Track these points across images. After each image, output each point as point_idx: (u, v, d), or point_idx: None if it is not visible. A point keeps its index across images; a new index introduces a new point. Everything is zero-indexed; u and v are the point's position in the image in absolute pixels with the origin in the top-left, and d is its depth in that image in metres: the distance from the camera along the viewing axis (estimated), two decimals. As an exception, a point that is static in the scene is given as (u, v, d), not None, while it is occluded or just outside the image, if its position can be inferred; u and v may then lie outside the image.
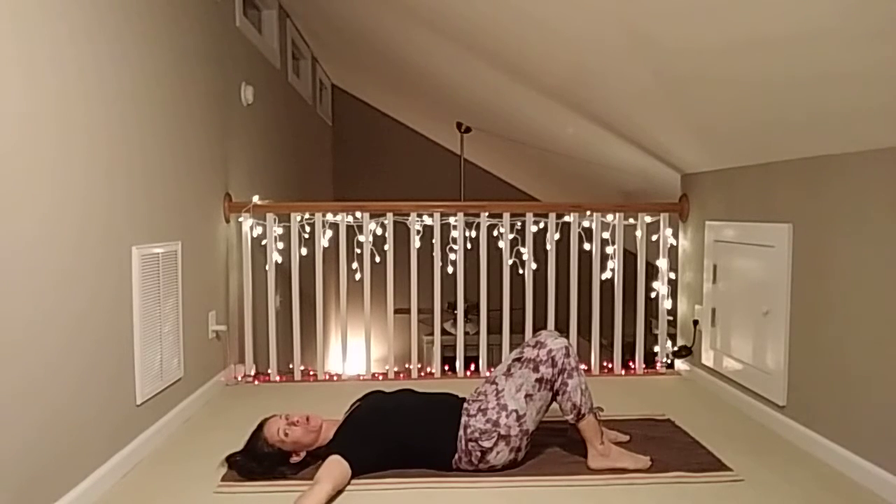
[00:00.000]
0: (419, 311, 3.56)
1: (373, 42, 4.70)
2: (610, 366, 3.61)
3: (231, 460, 2.22)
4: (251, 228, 3.40)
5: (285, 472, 2.18)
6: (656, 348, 3.67)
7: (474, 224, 3.49)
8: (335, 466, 2.06)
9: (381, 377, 3.51)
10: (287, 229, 3.41)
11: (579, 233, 3.51)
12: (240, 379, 3.39)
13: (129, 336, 2.27)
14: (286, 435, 2.17)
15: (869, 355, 2.16)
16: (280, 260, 3.45)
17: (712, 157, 3.12)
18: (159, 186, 2.51)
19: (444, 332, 3.84)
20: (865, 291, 2.17)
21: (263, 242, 3.42)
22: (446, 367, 3.62)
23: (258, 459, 2.17)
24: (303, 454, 2.22)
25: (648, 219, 3.54)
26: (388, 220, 3.42)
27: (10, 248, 1.64)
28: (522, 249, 3.49)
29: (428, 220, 3.47)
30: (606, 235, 3.54)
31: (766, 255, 2.70)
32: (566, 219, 3.52)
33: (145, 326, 2.35)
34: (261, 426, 2.24)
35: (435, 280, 3.49)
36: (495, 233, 3.50)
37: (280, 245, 3.44)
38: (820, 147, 2.36)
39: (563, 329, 2.98)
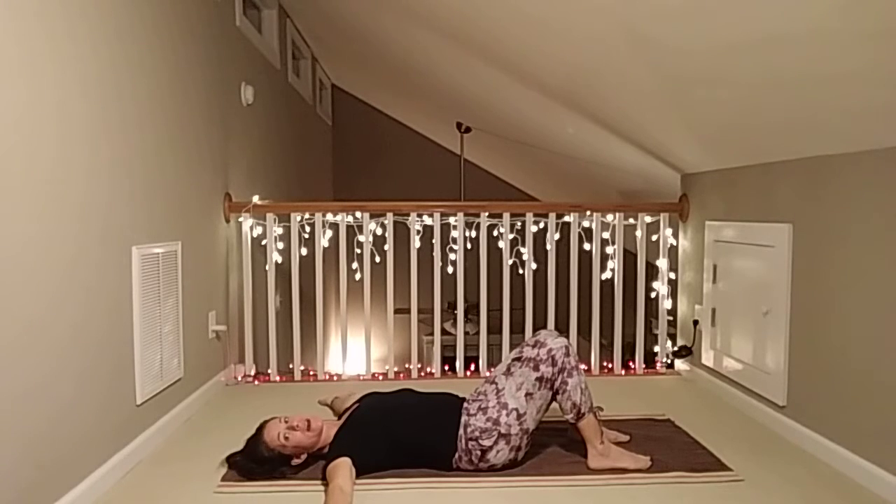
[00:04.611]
0: (419, 311, 3.56)
1: (373, 42, 4.70)
2: (610, 366, 3.61)
3: (231, 460, 2.22)
4: (251, 228, 3.40)
5: (285, 471, 2.18)
6: (656, 348, 3.67)
7: (474, 224, 3.49)
8: (348, 469, 2.06)
9: (381, 377, 3.51)
10: (287, 229, 3.41)
11: (579, 233, 3.51)
12: (240, 379, 3.39)
13: (129, 336, 2.27)
14: (286, 439, 2.17)
15: (869, 355, 2.16)
16: (280, 260, 3.45)
17: (712, 157, 3.12)
18: (159, 186, 2.51)
19: (444, 332, 3.84)
20: (865, 291, 2.17)
21: (263, 242, 3.42)
22: (446, 367, 3.62)
23: (259, 462, 2.17)
24: (304, 456, 2.22)
25: (648, 219, 3.54)
26: (388, 220, 3.42)
27: (9, 249, 1.64)
28: (522, 249, 3.49)
29: (428, 220, 3.47)
30: (606, 235, 3.54)
31: (766, 255, 2.70)
32: (566, 219, 3.52)
33: (145, 326, 2.35)
34: (260, 430, 2.23)
35: (435, 280, 3.49)
36: (495, 233, 3.50)
37: (280, 245, 3.44)
38: (820, 147, 2.36)
39: (563, 329, 2.98)
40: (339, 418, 2.44)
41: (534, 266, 3.49)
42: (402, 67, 4.99)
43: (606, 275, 3.55)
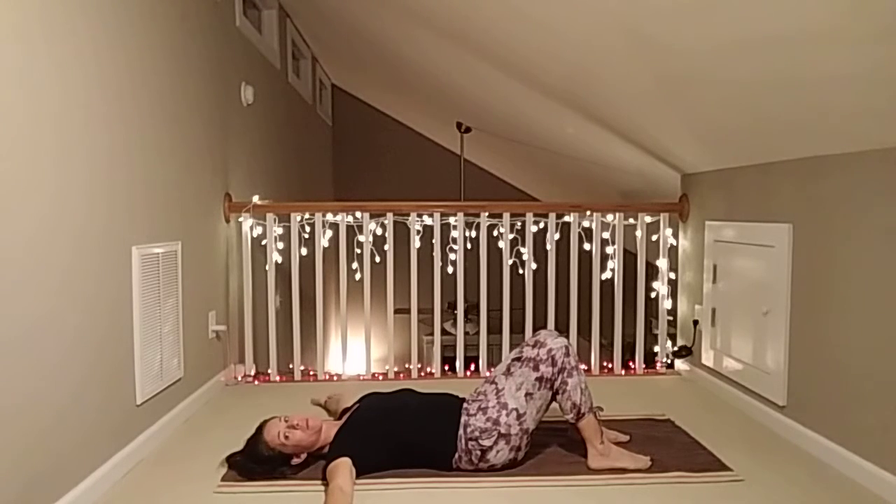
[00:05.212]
0: (419, 311, 3.56)
1: (373, 42, 4.70)
2: (610, 366, 3.61)
3: (231, 460, 2.22)
4: (251, 228, 3.40)
5: (285, 471, 2.18)
6: (656, 348, 3.67)
7: (474, 224, 3.49)
8: (348, 469, 2.06)
9: (381, 377, 3.51)
10: (287, 229, 3.41)
11: (579, 233, 3.51)
12: (240, 379, 3.39)
13: (130, 336, 2.27)
14: (286, 438, 2.17)
15: (869, 355, 2.16)
16: (280, 260, 3.45)
17: (712, 157, 3.12)
18: (159, 186, 2.52)
19: (444, 332, 3.84)
20: (865, 291, 2.17)
21: (263, 242, 3.42)
22: (446, 367, 3.62)
23: (259, 462, 2.17)
24: (304, 456, 2.22)
25: (648, 219, 3.54)
26: (388, 220, 3.42)
27: (10, 249, 1.64)
28: (522, 249, 3.49)
29: (428, 220, 3.47)
30: (606, 235, 3.54)
31: (766, 255, 2.70)
32: (566, 219, 3.52)
33: (145, 326, 2.35)
34: (260, 429, 2.23)
35: (435, 280, 3.49)
36: (495, 233, 3.50)
37: (280, 245, 3.44)
38: (820, 147, 2.36)
39: (563, 329, 2.98)
40: (339, 418, 2.45)
41: (534, 266, 3.49)
42: (402, 67, 4.99)
43: (606, 275, 3.55)
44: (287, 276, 3.49)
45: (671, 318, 3.66)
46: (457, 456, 2.21)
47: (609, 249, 3.54)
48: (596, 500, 2.06)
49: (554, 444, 2.42)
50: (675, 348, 3.58)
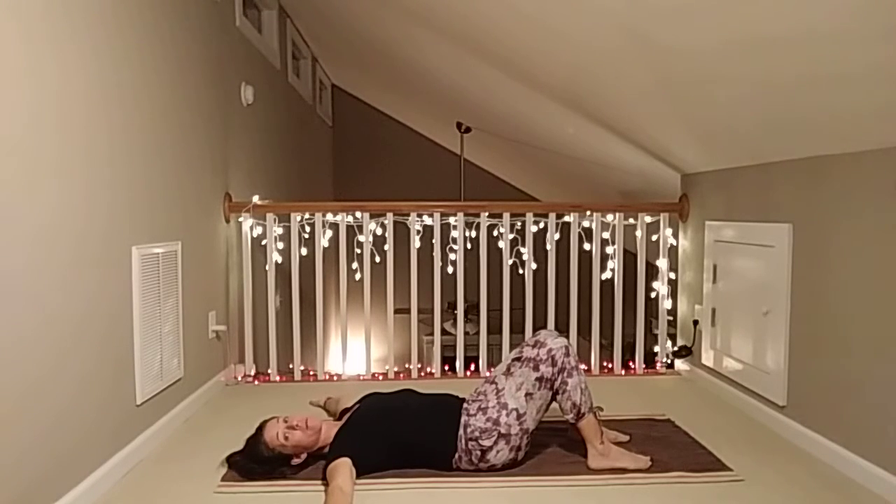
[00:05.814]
0: (419, 311, 3.56)
1: (373, 42, 4.70)
2: (610, 366, 3.61)
3: (231, 460, 2.22)
4: (251, 228, 3.40)
5: (285, 471, 2.18)
6: (656, 348, 3.67)
7: (474, 224, 3.49)
8: (348, 470, 2.05)
9: (381, 377, 3.51)
10: (287, 229, 3.42)
11: (579, 233, 3.51)
12: (240, 379, 3.39)
13: (130, 336, 2.27)
14: (286, 439, 2.17)
15: (869, 355, 2.16)
16: (280, 260, 3.45)
17: (712, 157, 3.12)
18: (159, 186, 2.51)
19: (444, 332, 3.84)
20: (865, 291, 2.17)
21: (263, 242, 3.42)
22: (446, 367, 3.62)
23: (259, 462, 2.18)
24: (304, 456, 2.22)
25: (648, 219, 3.54)
26: (388, 220, 3.42)
27: (11, 249, 1.64)
28: (522, 249, 3.49)
29: (428, 220, 3.47)
30: (606, 235, 3.54)
31: (766, 255, 2.70)
32: (566, 219, 3.52)
33: (145, 326, 2.35)
34: (260, 429, 2.23)
35: (435, 280, 3.49)
36: (495, 233, 3.50)
37: (280, 245, 3.44)
38: (820, 147, 2.36)
39: (563, 329, 2.98)
40: (339, 418, 2.45)
41: (534, 266, 3.49)
42: (402, 67, 4.99)
43: (606, 275, 3.55)
44: (287, 276, 3.49)
45: (671, 318, 3.66)
46: (457, 456, 2.21)
47: (609, 249, 3.54)
48: (596, 500, 2.06)
49: (554, 444, 2.42)
50: (675, 348, 3.58)
